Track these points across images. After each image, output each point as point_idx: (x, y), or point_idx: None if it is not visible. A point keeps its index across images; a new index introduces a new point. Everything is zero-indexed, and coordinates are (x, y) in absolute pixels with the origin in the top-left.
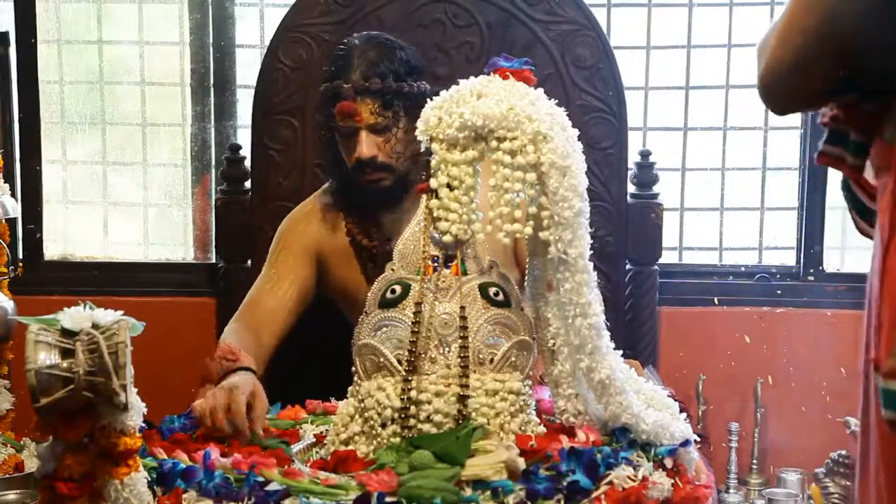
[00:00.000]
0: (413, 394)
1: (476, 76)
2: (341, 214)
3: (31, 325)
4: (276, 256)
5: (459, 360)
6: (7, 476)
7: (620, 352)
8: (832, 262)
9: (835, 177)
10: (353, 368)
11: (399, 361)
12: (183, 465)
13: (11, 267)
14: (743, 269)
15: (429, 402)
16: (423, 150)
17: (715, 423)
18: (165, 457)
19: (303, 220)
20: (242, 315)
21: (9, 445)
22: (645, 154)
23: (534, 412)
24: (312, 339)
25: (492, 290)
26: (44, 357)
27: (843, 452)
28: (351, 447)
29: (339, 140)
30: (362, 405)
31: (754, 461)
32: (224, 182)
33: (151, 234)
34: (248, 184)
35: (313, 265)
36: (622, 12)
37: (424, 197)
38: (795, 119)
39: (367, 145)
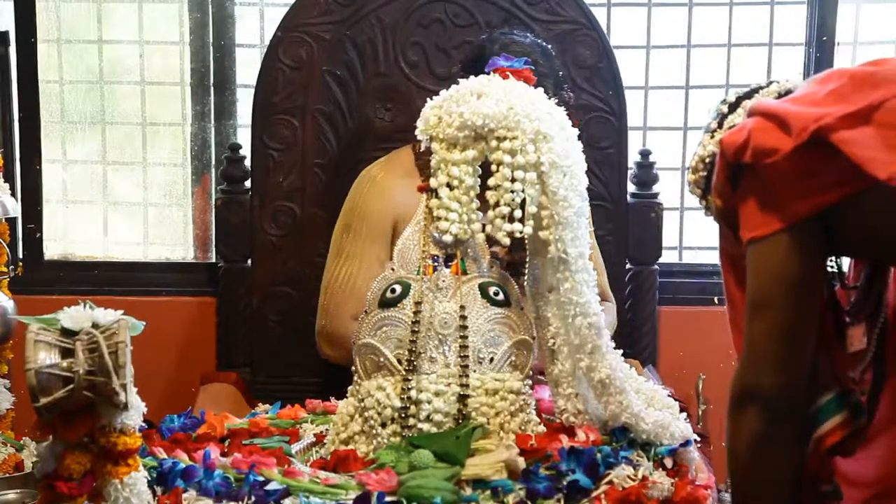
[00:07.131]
0: (413, 393)
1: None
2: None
3: (31, 324)
4: None
5: (459, 359)
6: (7, 476)
7: (620, 351)
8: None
9: None
10: (353, 368)
11: (399, 361)
12: (183, 465)
13: (11, 267)
14: None
15: (429, 402)
16: (422, 149)
17: (715, 423)
18: (165, 456)
19: None
20: None
21: (9, 445)
22: (645, 154)
23: (534, 412)
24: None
25: (492, 290)
26: (44, 357)
27: None
28: (351, 447)
29: None
30: (362, 405)
31: None
32: (224, 182)
33: (151, 234)
34: (248, 184)
35: None
36: (622, 12)
37: (424, 196)
38: None
39: None
